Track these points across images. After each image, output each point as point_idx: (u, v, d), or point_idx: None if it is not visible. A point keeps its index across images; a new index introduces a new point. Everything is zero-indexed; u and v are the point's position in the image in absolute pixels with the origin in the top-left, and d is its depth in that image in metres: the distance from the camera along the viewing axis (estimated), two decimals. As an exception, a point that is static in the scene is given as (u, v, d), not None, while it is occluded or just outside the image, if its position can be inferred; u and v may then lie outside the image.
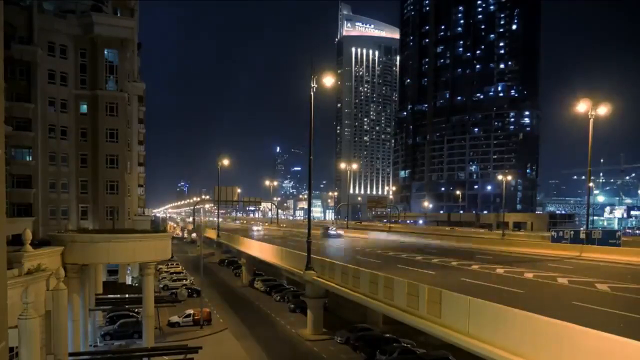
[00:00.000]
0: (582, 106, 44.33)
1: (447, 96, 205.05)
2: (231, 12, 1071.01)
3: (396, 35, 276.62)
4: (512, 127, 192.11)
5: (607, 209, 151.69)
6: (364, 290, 28.55)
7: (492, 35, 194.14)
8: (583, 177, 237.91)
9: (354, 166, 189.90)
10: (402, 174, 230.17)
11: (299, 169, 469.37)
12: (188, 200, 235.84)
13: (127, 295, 43.79)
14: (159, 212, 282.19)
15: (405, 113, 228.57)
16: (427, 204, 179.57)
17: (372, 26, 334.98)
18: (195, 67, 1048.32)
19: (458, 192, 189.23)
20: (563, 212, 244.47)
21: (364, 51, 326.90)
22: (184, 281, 64.75)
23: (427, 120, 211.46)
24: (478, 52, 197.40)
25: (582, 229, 57.22)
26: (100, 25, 49.48)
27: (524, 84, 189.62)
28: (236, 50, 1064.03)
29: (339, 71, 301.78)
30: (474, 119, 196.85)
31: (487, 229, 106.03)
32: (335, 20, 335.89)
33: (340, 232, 79.40)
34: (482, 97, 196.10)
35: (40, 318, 20.25)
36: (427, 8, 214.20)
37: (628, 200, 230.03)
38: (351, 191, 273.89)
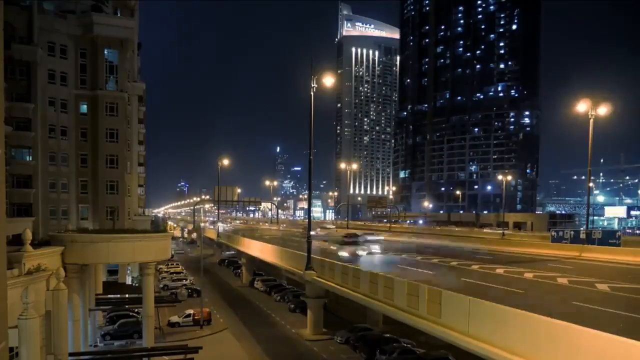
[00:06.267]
0: (582, 106, 44.30)
1: (447, 96, 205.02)
2: (231, 12, 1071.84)
3: (396, 35, 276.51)
4: (512, 127, 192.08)
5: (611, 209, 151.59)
6: (364, 290, 28.54)
7: (492, 35, 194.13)
8: (583, 177, 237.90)
9: (354, 166, 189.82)
10: (402, 174, 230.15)
11: (299, 169, 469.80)
12: (188, 200, 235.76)
13: (127, 295, 43.85)
14: (159, 212, 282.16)
15: (405, 113, 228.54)
16: (427, 204, 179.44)
17: (372, 26, 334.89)
18: (196, 67, 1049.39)
19: (458, 192, 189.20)
20: (563, 212, 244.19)
21: (364, 51, 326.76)
22: (184, 281, 64.78)
23: (427, 120, 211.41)
24: (478, 52, 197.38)
25: (582, 229, 57.16)
26: (100, 25, 49.47)
27: (524, 84, 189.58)
28: (236, 50, 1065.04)
29: (339, 71, 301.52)
30: (474, 119, 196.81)
31: (489, 229, 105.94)
32: (335, 21, 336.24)
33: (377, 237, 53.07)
34: (482, 97, 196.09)
35: (40, 318, 20.26)
36: (427, 8, 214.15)
37: (628, 200, 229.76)
38: (351, 191, 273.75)
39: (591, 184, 77.70)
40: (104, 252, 29.63)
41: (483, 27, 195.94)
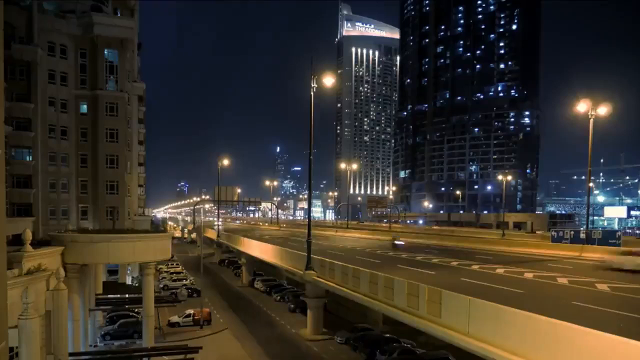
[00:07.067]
0: (582, 106, 44.31)
1: (447, 96, 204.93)
2: (231, 12, 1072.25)
3: (396, 35, 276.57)
4: (512, 127, 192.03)
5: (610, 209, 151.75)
6: (364, 290, 28.51)
7: (492, 35, 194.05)
8: (583, 177, 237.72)
9: (354, 166, 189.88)
10: (402, 174, 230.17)
11: (299, 169, 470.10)
12: (188, 200, 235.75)
13: (127, 295, 43.82)
14: (159, 212, 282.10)
15: (405, 113, 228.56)
16: (427, 204, 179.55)
17: (372, 26, 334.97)
18: (195, 67, 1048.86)
19: (458, 192, 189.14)
20: (563, 212, 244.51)
21: (364, 51, 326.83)
22: (184, 281, 64.77)
23: (427, 120, 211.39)
24: (478, 52, 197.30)
25: (582, 229, 57.16)
26: (100, 25, 49.52)
27: (524, 84, 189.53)
28: (236, 50, 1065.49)
29: (339, 71, 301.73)
30: (474, 119, 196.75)
31: (488, 228, 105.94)
32: (335, 21, 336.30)
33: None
34: (482, 97, 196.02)
35: (40, 318, 20.26)
36: (427, 8, 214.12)
37: (628, 200, 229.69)
38: (351, 191, 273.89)
39: (591, 184, 77.73)
40: (104, 252, 29.62)
41: (483, 27, 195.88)
